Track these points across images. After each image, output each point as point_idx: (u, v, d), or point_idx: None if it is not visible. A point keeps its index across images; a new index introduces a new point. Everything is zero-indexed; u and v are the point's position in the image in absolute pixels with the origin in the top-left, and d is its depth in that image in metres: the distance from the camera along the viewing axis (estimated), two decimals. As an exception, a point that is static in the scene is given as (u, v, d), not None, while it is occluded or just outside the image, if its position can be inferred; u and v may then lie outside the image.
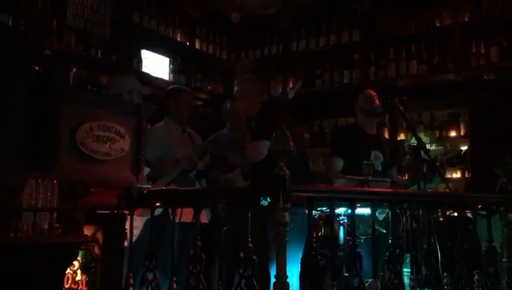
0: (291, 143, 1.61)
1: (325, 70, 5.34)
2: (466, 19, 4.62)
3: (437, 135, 4.84)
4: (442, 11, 4.74)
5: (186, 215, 2.01)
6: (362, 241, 2.65)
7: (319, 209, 1.97)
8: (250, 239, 1.67)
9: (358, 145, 3.45)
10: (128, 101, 2.78)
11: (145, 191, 2.06)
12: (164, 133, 3.47)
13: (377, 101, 3.48)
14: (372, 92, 3.56)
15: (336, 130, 5.23)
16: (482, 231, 2.23)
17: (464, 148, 4.58)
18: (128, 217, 2.02)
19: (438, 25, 4.74)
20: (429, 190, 3.13)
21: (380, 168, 3.44)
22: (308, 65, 5.47)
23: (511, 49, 4.41)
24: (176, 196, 2.02)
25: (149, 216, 2.02)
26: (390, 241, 1.88)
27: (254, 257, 1.66)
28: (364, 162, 3.40)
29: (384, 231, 2.66)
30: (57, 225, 1.78)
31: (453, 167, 3.45)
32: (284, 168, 1.57)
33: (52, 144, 1.96)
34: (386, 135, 4.98)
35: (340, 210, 2.28)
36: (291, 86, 5.40)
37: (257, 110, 3.03)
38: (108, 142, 2.09)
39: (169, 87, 3.73)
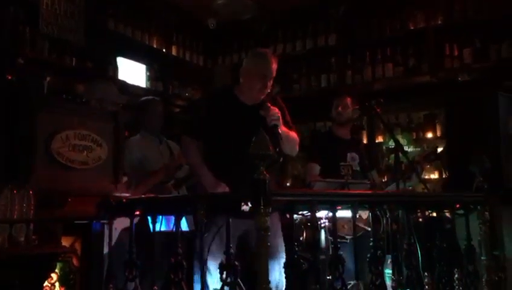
0: (270, 147, 1.61)
1: (302, 74, 5.38)
2: (439, 22, 4.71)
3: (414, 137, 4.91)
4: (416, 14, 4.82)
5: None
6: (348, 241, 2.68)
7: (300, 213, 1.98)
8: (231, 245, 1.67)
9: (333, 150, 3.53)
10: (104, 108, 2.76)
11: (124, 200, 2.04)
12: (140, 146, 3.46)
13: (350, 108, 3.57)
14: (348, 99, 3.62)
15: (311, 136, 5.27)
16: (460, 230, 2.27)
17: (440, 149, 4.65)
18: (107, 226, 2.00)
19: (412, 28, 4.82)
20: (410, 188, 3.17)
21: (358, 168, 3.49)
22: (285, 70, 5.50)
23: (483, 51, 4.50)
24: (156, 203, 2.00)
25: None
26: (371, 243, 1.89)
27: (236, 262, 1.65)
28: (341, 163, 3.46)
29: (370, 229, 2.69)
30: (33, 237, 1.75)
31: (431, 162, 3.52)
32: (264, 172, 1.57)
33: (27, 153, 1.93)
34: (364, 138, 5.04)
35: (322, 213, 2.29)
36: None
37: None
38: (85, 151, 2.07)
39: (139, 100, 3.71)
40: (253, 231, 1.57)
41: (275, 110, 2.66)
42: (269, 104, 2.68)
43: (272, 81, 2.81)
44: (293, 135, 2.90)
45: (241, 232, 2.52)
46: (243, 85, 2.81)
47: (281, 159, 2.59)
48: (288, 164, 5.38)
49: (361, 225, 2.58)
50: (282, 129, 2.71)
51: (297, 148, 2.94)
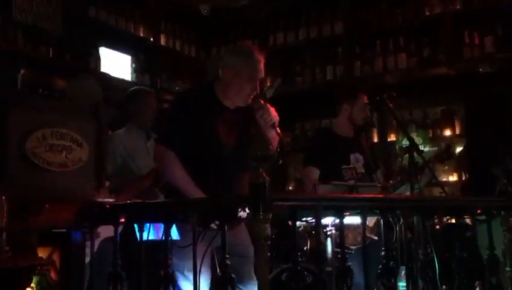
0: (270, 147, 1.61)
1: (305, 66, 5.38)
2: (457, 7, 4.71)
3: (430, 135, 4.91)
4: (431, -1, 4.84)
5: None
6: (353, 252, 2.67)
7: (303, 219, 1.98)
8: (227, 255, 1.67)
9: (334, 151, 3.49)
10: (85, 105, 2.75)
11: (108, 206, 2.03)
12: (125, 141, 3.44)
13: (367, 111, 3.56)
14: (365, 98, 3.60)
15: (315, 134, 5.27)
16: (482, 238, 2.26)
17: (460, 148, 4.66)
18: (89, 235, 2.00)
19: (428, 14, 4.82)
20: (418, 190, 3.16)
21: (363, 170, 3.48)
22: (287, 61, 5.51)
23: (507, 39, 4.49)
24: (143, 209, 2.00)
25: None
26: (383, 253, 1.89)
27: (233, 275, 1.65)
28: (344, 166, 3.45)
29: (376, 238, 2.68)
30: (6, 248, 1.75)
31: (443, 161, 3.50)
32: (264, 175, 1.57)
33: (-2, 155, 1.92)
34: (375, 136, 5.04)
35: (327, 220, 2.29)
36: (268, 84, 5.41)
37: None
38: (64, 152, 2.06)
39: (129, 90, 3.70)
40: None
41: (272, 109, 2.59)
42: (262, 101, 2.60)
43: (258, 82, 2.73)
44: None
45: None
46: (226, 86, 2.70)
47: (281, 161, 2.55)
48: (290, 166, 5.39)
49: (366, 233, 2.58)
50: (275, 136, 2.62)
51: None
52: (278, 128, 2.52)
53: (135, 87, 3.81)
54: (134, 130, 3.54)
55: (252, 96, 2.64)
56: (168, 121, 2.83)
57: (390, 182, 3.49)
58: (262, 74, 2.71)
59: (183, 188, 2.54)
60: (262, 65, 2.70)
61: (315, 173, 3.44)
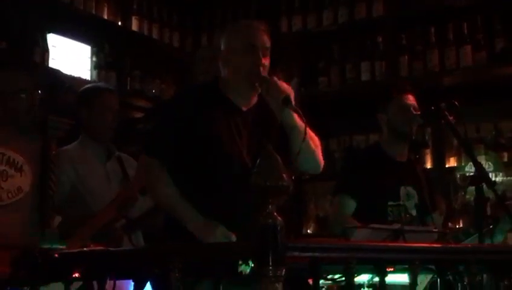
0: (283, 176, 1.61)
1: (332, 62, 5.41)
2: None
3: (505, 159, 4.90)
4: (507, -29, 4.86)
5: None
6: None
7: (329, 277, 1.97)
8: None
9: (380, 178, 3.49)
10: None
11: (57, 255, 2.03)
12: (74, 159, 3.44)
13: (416, 111, 3.52)
14: (410, 98, 3.59)
15: (348, 154, 5.27)
16: None
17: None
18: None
19: (502, -9, 4.85)
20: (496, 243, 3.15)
21: (414, 212, 3.48)
22: (306, 54, 5.53)
23: None
24: (106, 260, 2.00)
25: None
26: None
27: None
28: (390, 203, 3.44)
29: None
30: None
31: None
32: (275, 214, 1.57)
33: None
34: (428, 160, 5.03)
35: (362, 278, 2.28)
36: (282, 85, 5.44)
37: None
38: (-2, 179, 2.08)
39: (80, 90, 3.70)
40: None
41: (281, 82, 2.65)
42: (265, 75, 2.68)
43: (268, 60, 2.79)
44: (314, 137, 2.90)
45: None
46: (228, 78, 2.82)
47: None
48: (310, 202, 5.38)
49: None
50: (299, 122, 2.69)
51: (321, 160, 2.93)
52: (294, 106, 2.57)
53: (88, 85, 3.81)
54: (88, 145, 3.55)
55: (258, 75, 2.71)
56: (157, 126, 2.88)
57: (449, 225, 3.49)
58: (264, 44, 2.77)
59: (172, 207, 2.68)
60: (264, 33, 2.78)
61: (349, 206, 3.45)
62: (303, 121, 2.57)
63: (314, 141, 2.84)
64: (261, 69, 2.73)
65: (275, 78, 2.67)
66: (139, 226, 3.49)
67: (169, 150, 2.72)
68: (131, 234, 3.41)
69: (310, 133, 2.79)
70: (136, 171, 3.27)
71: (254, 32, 2.77)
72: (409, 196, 3.51)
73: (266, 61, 2.77)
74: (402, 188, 3.50)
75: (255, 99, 2.84)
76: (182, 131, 2.72)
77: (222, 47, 2.84)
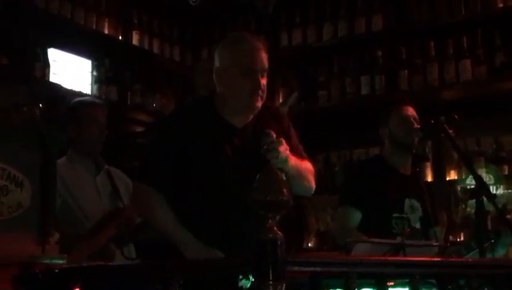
0: (284, 190, 1.61)
1: (331, 76, 5.41)
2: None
3: (505, 172, 4.89)
4: (506, -14, 4.87)
5: None
6: None
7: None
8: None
9: (384, 189, 3.49)
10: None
11: (57, 270, 2.03)
12: (64, 174, 3.43)
13: (416, 124, 3.52)
14: (410, 109, 3.60)
15: (349, 166, 5.26)
16: None
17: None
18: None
19: (501, 5, 4.85)
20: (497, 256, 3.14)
21: (417, 225, 3.47)
22: (306, 68, 5.53)
23: None
24: (106, 276, 1.99)
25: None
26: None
27: None
28: (395, 215, 3.43)
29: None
30: None
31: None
32: (275, 228, 1.57)
33: None
34: (429, 174, 5.03)
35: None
36: (281, 100, 5.44)
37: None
38: (-2, 194, 2.07)
39: (68, 104, 3.69)
40: None
41: (284, 147, 2.62)
42: (274, 134, 2.61)
43: (265, 80, 2.77)
44: (306, 165, 2.91)
45: None
46: (224, 92, 2.80)
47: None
48: (310, 216, 5.36)
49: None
50: (290, 162, 2.70)
51: (313, 183, 2.93)
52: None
53: (75, 99, 3.80)
54: (77, 159, 3.56)
55: (257, 100, 2.70)
56: (150, 149, 2.86)
57: (450, 238, 3.47)
58: (264, 65, 2.75)
59: (169, 234, 2.68)
60: (262, 54, 2.75)
61: (354, 217, 3.45)
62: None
63: (305, 175, 2.87)
64: (260, 92, 2.72)
65: (281, 141, 2.62)
66: (131, 239, 3.48)
67: (164, 177, 2.72)
68: (122, 248, 3.40)
69: (303, 166, 2.84)
70: (131, 196, 3.26)
71: (253, 54, 2.74)
72: (413, 209, 3.50)
73: (264, 81, 2.76)
74: (406, 201, 3.50)
75: (251, 116, 2.83)
76: (176, 157, 2.71)
77: (218, 64, 2.82)
